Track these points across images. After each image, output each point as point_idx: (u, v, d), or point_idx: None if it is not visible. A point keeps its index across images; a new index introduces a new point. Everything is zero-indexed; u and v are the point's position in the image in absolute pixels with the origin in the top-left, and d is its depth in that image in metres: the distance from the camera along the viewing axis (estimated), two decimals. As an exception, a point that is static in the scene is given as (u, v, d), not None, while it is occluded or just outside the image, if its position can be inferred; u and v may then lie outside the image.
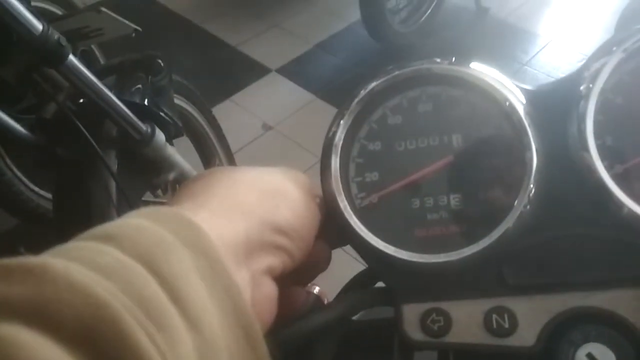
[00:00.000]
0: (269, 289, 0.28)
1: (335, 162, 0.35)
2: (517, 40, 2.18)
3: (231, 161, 1.42)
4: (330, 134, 0.36)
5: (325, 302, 0.45)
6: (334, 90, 1.97)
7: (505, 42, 2.17)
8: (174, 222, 0.24)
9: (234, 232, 0.26)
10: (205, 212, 0.26)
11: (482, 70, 0.35)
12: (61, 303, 0.18)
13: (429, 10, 2.14)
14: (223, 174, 0.30)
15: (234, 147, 1.47)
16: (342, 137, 0.35)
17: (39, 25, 0.77)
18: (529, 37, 2.20)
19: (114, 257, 0.21)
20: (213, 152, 1.35)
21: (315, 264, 0.34)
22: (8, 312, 0.18)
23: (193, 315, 0.21)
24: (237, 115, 1.89)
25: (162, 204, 1.03)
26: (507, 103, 0.33)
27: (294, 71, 2.07)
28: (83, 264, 0.20)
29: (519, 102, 0.34)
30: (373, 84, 0.36)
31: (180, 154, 1.10)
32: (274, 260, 0.28)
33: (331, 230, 0.34)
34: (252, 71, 2.07)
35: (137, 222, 0.23)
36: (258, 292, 0.26)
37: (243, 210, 0.27)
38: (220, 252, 0.24)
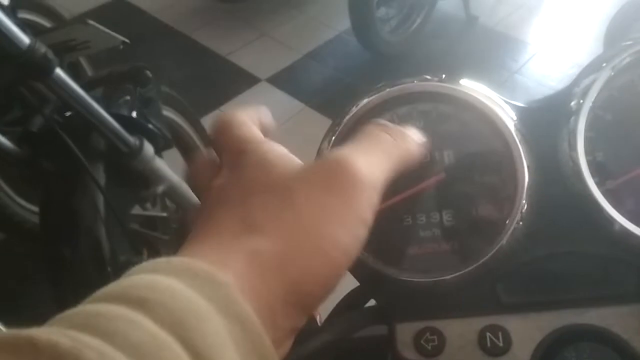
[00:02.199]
0: (288, 348, 0.26)
1: None
2: (506, 48, 2.20)
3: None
4: (322, 151, 0.35)
5: (318, 318, 0.44)
6: (324, 100, 1.97)
7: (494, 50, 2.19)
8: (208, 285, 0.22)
9: (264, 294, 0.24)
10: (236, 268, 0.24)
11: (472, 87, 0.35)
12: None
13: (419, 19, 2.16)
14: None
15: (224, 157, 1.46)
16: None
17: (25, 39, 0.77)
18: (519, 46, 2.22)
19: (147, 332, 0.20)
20: (203, 163, 1.34)
21: None
22: None
23: None
24: (226, 125, 1.88)
25: (151, 217, 1.01)
26: (498, 120, 0.33)
27: (284, 80, 2.07)
28: (115, 343, 0.19)
29: (509, 119, 0.34)
30: (364, 101, 0.35)
31: (169, 166, 1.09)
32: (299, 322, 0.26)
33: None
34: (241, 81, 2.07)
35: (169, 283, 0.22)
36: (279, 354, 0.25)
37: (268, 273, 0.24)
38: (255, 319, 0.22)
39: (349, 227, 0.26)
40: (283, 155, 0.28)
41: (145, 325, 0.20)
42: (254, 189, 0.27)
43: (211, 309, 0.21)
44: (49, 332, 0.18)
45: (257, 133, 0.29)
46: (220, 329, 0.21)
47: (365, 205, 0.26)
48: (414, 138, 0.30)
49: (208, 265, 0.23)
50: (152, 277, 0.22)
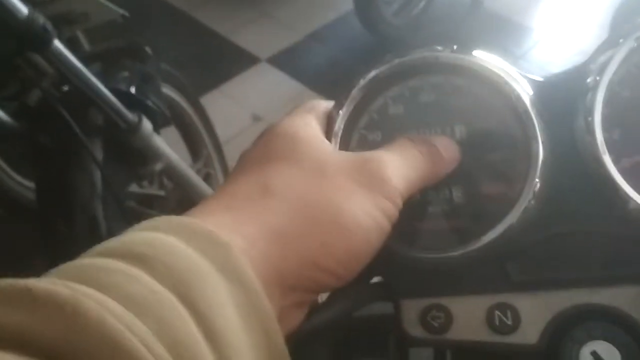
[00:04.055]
0: (297, 321, 0.26)
1: None
2: (510, 33, 2.18)
3: (220, 153, 1.40)
4: (329, 123, 0.34)
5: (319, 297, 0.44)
6: (325, 81, 1.95)
7: (498, 35, 2.17)
8: (209, 244, 0.22)
9: (275, 261, 0.24)
10: (246, 232, 0.23)
11: (486, 58, 0.33)
12: (91, 356, 0.17)
13: (423, 2, 2.13)
14: (264, 180, 0.26)
15: (222, 138, 1.45)
16: (342, 127, 0.34)
17: (24, 9, 0.75)
18: (523, 31, 2.19)
19: (146, 287, 0.19)
20: (201, 142, 1.33)
21: None
22: (34, 349, 0.16)
23: (226, 354, 0.20)
24: (225, 105, 1.87)
25: (149, 195, 1.00)
26: (514, 94, 0.32)
27: (285, 61, 2.05)
28: (116, 296, 0.18)
29: (525, 93, 0.33)
30: (374, 72, 0.34)
31: (167, 144, 1.08)
32: (309, 296, 0.26)
33: None
34: (241, 60, 2.04)
35: (170, 241, 0.21)
36: (284, 326, 0.24)
37: (284, 241, 0.24)
38: (256, 282, 0.22)
39: (369, 211, 0.26)
40: (315, 135, 0.30)
41: (144, 280, 0.19)
42: (276, 155, 0.27)
43: (212, 269, 0.21)
44: (47, 282, 0.18)
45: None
46: (220, 289, 0.21)
47: (388, 202, 0.27)
48: (443, 155, 0.31)
49: (207, 225, 0.23)
50: (153, 234, 0.22)
